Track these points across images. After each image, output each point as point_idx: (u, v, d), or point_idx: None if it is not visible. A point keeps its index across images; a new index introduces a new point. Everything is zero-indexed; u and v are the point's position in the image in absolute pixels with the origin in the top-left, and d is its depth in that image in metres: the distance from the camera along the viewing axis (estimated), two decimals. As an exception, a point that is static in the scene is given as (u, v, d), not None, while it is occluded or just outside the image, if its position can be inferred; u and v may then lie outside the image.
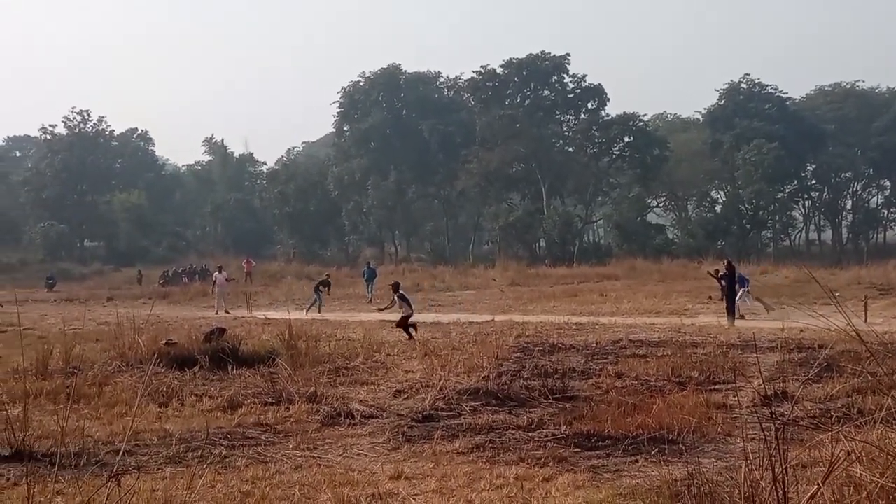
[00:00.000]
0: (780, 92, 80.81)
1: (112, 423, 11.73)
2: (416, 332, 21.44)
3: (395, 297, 22.34)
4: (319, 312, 31.33)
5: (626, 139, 75.30)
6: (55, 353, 16.46)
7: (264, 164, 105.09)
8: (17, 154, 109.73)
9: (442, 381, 13.35)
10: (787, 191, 79.38)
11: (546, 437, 10.30)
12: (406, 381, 14.64)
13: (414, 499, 7.88)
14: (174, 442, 10.23)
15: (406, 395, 13.32)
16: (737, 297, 26.01)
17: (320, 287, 34.17)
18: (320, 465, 9.43)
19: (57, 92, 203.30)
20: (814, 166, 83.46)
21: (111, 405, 12.93)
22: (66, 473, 8.08)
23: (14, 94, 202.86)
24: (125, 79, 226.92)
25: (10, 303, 38.47)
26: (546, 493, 7.91)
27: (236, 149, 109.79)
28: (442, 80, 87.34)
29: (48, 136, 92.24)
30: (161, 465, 9.39)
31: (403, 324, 21.56)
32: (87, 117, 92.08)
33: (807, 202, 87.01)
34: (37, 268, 70.04)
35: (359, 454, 9.99)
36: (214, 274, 37.79)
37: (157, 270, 61.42)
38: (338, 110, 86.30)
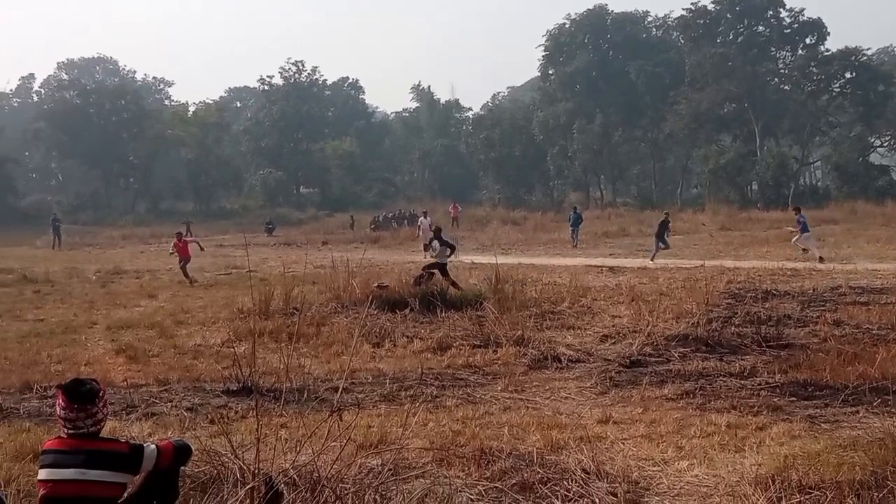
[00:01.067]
0: None
1: (329, 361, 12.28)
2: (447, 281, 19.70)
3: (436, 243, 21.41)
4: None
5: (848, 75, 70.93)
6: (276, 294, 17.32)
7: (470, 109, 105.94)
8: (238, 105, 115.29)
9: (650, 327, 13.18)
10: None
11: (759, 384, 10.03)
12: (613, 326, 14.56)
13: (622, 443, 7.85)
14: (388, 381, 10.61)
15: (613, 340, 13.26)
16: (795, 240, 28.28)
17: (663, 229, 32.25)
18: (528, 407, 9.54)
19: (274, 43, 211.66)
20: None
21: (328, 344, 13.52)
22: (289, 408, 8.52)
23: (234, 47, 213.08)
24: (337, 30, 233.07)
25: (234, 246, 40.75)
26: (759, 442, 7.71)
27: (442, 95, 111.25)
28: (650, 19, 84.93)
29: (266, 87, 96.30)
30: (376, 402, 9.76)
31: (431, 267, 20.65)
32: (301, 67, 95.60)
33: None
34: (257, 213, 73.65)
35: (566, 398, 10.04)
36: (420, 219, 38.76)
37: (368, 216, 63.22)
38: (543, 54, 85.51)
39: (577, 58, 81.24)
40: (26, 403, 9.96)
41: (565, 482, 6.60)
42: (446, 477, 6.85)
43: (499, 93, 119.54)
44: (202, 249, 28.87)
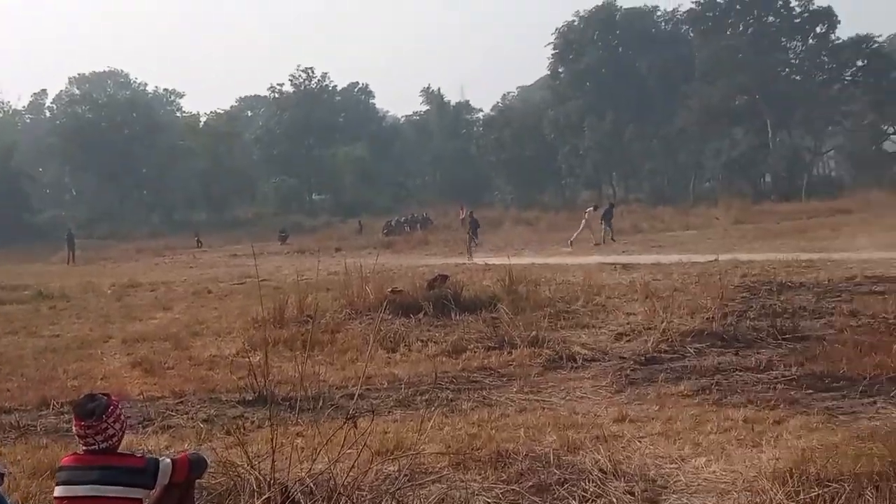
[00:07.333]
0: None
1: (345, 368, 12.25)
2: None
3: None
4: None
5: (860, 63, 70.75)
6: (290, 302, 17.29)
7: (480, 111, 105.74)
8: (249, 114, 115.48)
9: (664, 323, 13.11)
10: None
11: (775, 378, 9.99)
12: (627, 323, 14.50)
13: (639, 441, 7.83)
14: (403, 386, 10.59)
15: (628, 338, 13.21)
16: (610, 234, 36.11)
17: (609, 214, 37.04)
18: (544, 407, 9.51)
19: (282, 52, 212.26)
20: None
21: (343, 351, 13.50)
22: (305, 416, 8.52)
23: (243, 57, 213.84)
24: (346, 35, 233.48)
25: (247, 255, 40.86)
26: (777, 436, 7.67)
27: (452, 97, 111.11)
28: (659, 13, 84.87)
29: (276, 95, 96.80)
30: (391, 408, 9.75)
31: None
32: (311, 74, 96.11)
33: None
34: (270, 221, 73.83)
35: (582, 397, 10.01)
36: (588, 209, 40.32)
37: (381, 220, 63.30)
38: (552, 52, 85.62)
39: (587, 55, 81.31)
40: (43, 420, 9.99)
41: (582, 483, 6.60)
42: (463, 481, 6.85)
43: (509, 93, 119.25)
44: None
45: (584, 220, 38.15)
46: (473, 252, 35.15)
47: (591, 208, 40.51)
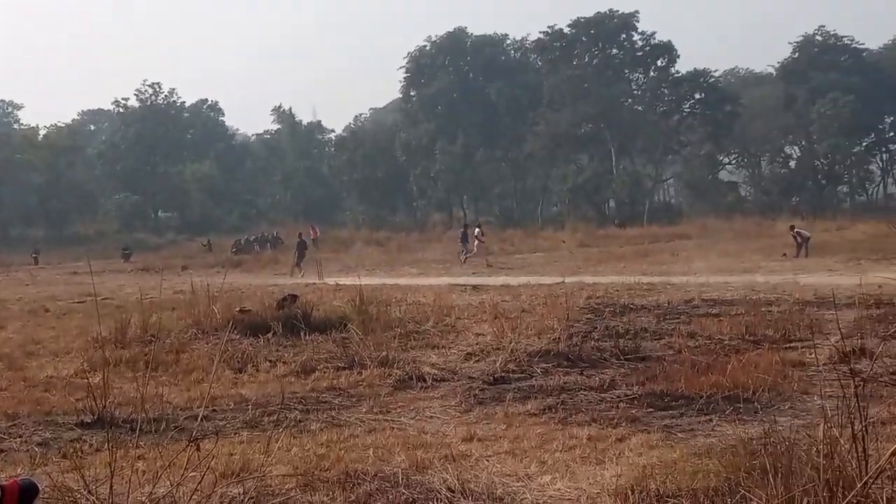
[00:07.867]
0: (857, 43, 78.83)
1: (189, 389, 11.92)
2: None
3: None
4: None
5: (697, 96, 74.30)
6: (133, 322, 16.75)
7: (332, 131, 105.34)
8: (92, 128, 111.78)
9: (512, 344, 13.31)
10: (864, 144, 77.75)
11: (618, 397, 10.23)
12: (476, 343, 14.62)
13: (487, 460, 7.88)
14: (250, 407, 10.37)
15: (477, 358, 13.32)
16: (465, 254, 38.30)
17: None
18: (393, 428, 9.48)
19: (129, 65, 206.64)
20: (892, 119, 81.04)
21: (188, 372, 13.14)
22: (146, 439, 8.24)
23: (87, 69, 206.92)
24: (194, 50, 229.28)
25: (88, 273, 39.39)
26: (619, 454, 7.86)
27: (304, 117, 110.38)
28: (508, 42, 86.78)
29: (121, 110, 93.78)
30: (238, 429, 9.52)
31: None
32: (158, 90, 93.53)
33: (884, 155, 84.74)
34: (113, 239, 71.64)
35: (431, 417, 10.03)
36: (477, 230, 41.52)
37: (230, 239, 62.28)
38: (404, 76, 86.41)
39: (438, 79, 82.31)
40: None
41: (431, 502, 6.60)
42: (310, 502, 6.75)
43: (361, 114, 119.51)
44: None
45: (476, 241, 38.96)
46: (294, 274, 35.36)
47: (477, 228, 41.47)
